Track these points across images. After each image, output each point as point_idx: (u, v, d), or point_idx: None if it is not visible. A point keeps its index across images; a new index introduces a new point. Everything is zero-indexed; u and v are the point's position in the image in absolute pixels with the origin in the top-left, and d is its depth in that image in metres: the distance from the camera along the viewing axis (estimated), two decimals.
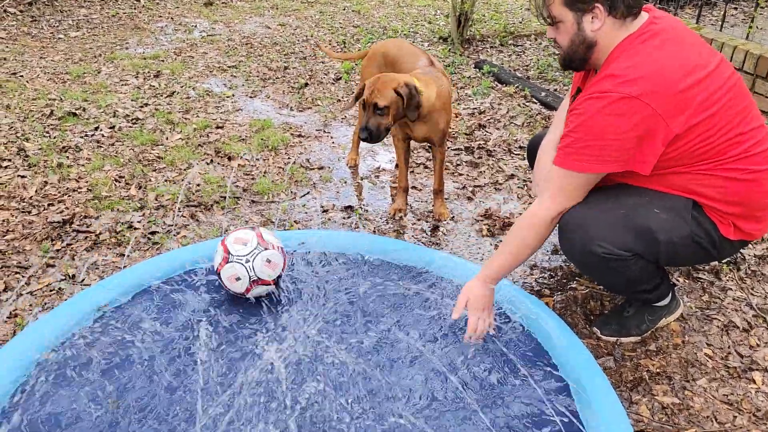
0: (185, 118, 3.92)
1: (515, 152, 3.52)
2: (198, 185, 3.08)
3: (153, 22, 6.35)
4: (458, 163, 3.40)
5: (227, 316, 2.04)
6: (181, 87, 4.48)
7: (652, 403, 1.87)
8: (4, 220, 2.74)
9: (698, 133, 1.67)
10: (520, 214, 2.87)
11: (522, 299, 2.12)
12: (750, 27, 4.21)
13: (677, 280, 2.41)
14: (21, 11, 6.30)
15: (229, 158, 3.41)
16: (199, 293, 2.15)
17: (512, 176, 3.25)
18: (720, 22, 4.37)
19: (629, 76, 1.64)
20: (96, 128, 3.72)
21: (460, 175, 3.27)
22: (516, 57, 5.33)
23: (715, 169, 1.73)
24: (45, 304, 2.24)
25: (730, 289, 2.37)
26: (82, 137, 3.60)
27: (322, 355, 1.86)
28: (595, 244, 1.77)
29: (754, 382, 1.95)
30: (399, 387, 1.78)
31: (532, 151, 2.30)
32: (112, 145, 3.53)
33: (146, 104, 4.12)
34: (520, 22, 6.37)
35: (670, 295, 2.09)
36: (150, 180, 3.14)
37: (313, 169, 3.33)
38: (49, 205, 2.88)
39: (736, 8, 6.33)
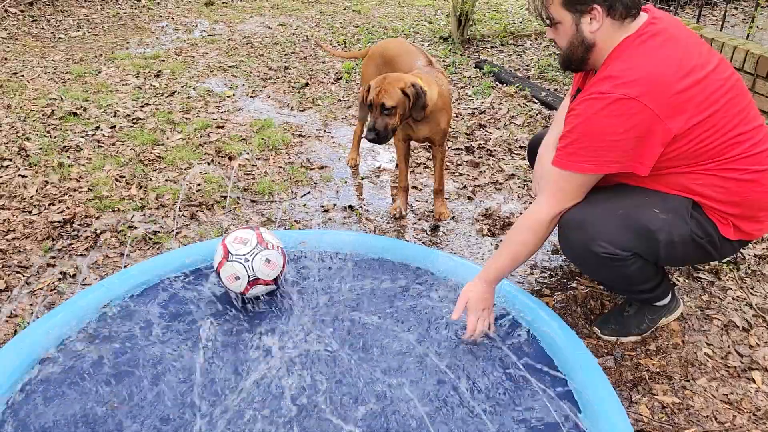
0: (186, 118, 3.92)
1: (516, 152, 3.53)
2: (199, 185, 3.09)
3: (153, 21, 6.36)
4: (459, 162, 3.40)
5: (227, 316, 2.05)
6: (182, 87, 4.48)
7: (652, 403, 1.87)
8: (4, 220, 2.74)
9: (697, 133, 1.67)
10: (521, 213, 2.87)
11: (522, 299, 2.12)
12: (750, 27, 4.21)
13: (677, 280, 2.41)
14: (22, 11, 6.30)
15: (230, 158, 3.41)
16: (200, 293, 2.15)
17: (512, 176, 3.26)
18: (720, 22, 4.37)
19: (627, 78, 1.64)
20: (97, 128, 3.72)
21: (461, 174, 3.27)
22: (516, 57, 5.34)
23: (715, 169, 1.73)
24: (46, 303, 2.24)
25: (730, 288, 2.37)
26: (82, 137, 3.60)
27: (322, 356, 1.86)
28: (595, 244, 1.77)
29: (754, 381, 1.96)
30: (399, 387, 1.78)
31: (532, 151, 2.31)
32: (113, 144, 3.53)
33: (147, 104, 4.13)
34: (521, 22, 6.37)
35: (670, 294, 2.09)
36: (151, 180, 3.14)
37: (314, 168, 3.33)
38: (49, 204, 2.88)
39: (736, 8, 6.33)
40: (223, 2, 7.24)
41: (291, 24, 6.37)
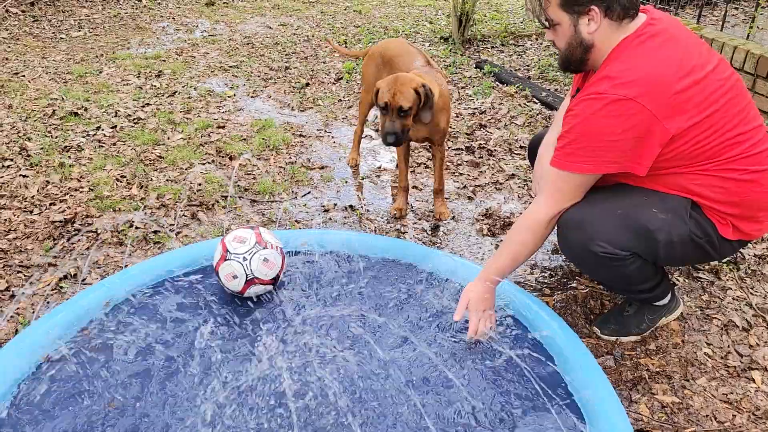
0: (186, 118, 3.93)
1: (516, 152, 3.53)
2: (199, 185, 3.09)
3: (154, 22, 6.36)
4: (459, 162, 3.40)
5: (227, 316, 2.05)
6: (183, 87, 4.49)
7: (651, 402, 1.87)
8: (6, 220, 2.75)
9: (696, 133, 1.67)
10: (521, 213, 2.87)
11: (522, 298, 2.12)
12: (750, 27, 4.21)
13: (677, 280, 2.42)
14: (23, 11, 6.31)
15: (231, 158, 3.42)
16: (200, 293, 2.16)
17: (513, 176, 3.26)
18: (720, 23, 4.37)
19: (625, 78, 1.65)
20: (98, 128, 3.73)
21: (461, 174, 3.28)
22: (517, 57, 5.34)
23: (714, 170, 1.73)
24: (47, 303, 2.25)
25: (730, 288, 2.37)
26: (83, 137, 3.61)
27: (323, 356, 1.86)
28: (594, 244, 1.78)
29: (754, 381, 1.96)
30: (399, 387, 1.78)
31: (532, 151, 2.31)
32: (114, 144, 3.54)
33: (148, 104, 4.13)
34: (521, 22, 6.37)
35: (670, 294, 2.09)
36: (151, 179, 3.15)
37: (314, 168, 3.33)
38: (51, 204, 2.89)
39: (736, 8, 6.33)
40: (224, 2, 7.25)
41: (292, 24, 6.37)
